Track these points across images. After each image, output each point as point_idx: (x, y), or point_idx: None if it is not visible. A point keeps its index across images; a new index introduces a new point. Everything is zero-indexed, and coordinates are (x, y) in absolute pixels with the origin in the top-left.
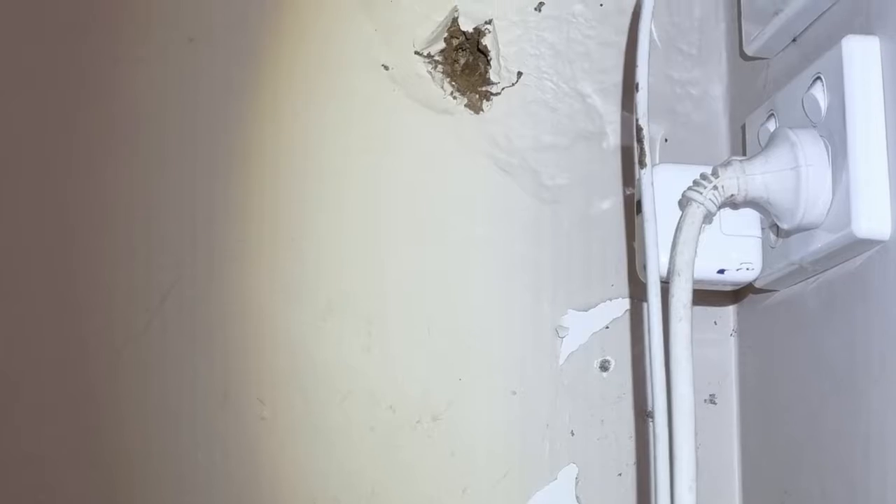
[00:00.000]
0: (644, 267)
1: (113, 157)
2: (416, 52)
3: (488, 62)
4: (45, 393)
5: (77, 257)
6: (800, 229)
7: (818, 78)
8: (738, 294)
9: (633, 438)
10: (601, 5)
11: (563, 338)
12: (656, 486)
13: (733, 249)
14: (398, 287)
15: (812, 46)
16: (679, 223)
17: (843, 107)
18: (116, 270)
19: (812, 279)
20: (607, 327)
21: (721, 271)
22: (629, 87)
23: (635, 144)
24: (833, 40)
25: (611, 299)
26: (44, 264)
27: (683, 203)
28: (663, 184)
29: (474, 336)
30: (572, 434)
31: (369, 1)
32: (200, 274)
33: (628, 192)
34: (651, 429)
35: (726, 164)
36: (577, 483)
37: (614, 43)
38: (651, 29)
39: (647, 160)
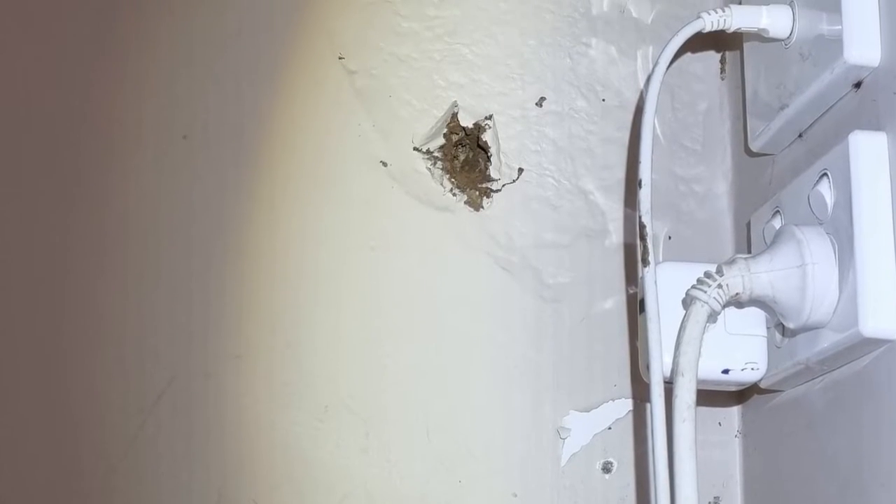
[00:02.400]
0: (647, 367)
1: (107, 259)
2: (415, 149)
3: (488, 158)
4: (37, 489)
5: (71, 358)
6: (806, 328)
7: (825, 174)
8: (742, 394)
9: None
10: (603, 100)
11: (564, 439)
12: None
13: (738, 349)
14: (396, 387)
15: (818, 142)
16: (683, 322)
17: (850, 204)
18: (111, 371)
19: (818, 379)
20: (610, 428)
21: (725, 371)
22: (632, 183)
23: (638, 242)
24: (840, 136)
25: (613, 400)
26: (37, 364)
27: (687, 302)
28: (667, 282)
29: (474, 437)
30: None
31: (367, 96)
32: (196, 375)
33: (631, 291)
34: None
35: (731, 262)
36: None
37: (617, 139)
38: (654, 124)
39: (651, 258)
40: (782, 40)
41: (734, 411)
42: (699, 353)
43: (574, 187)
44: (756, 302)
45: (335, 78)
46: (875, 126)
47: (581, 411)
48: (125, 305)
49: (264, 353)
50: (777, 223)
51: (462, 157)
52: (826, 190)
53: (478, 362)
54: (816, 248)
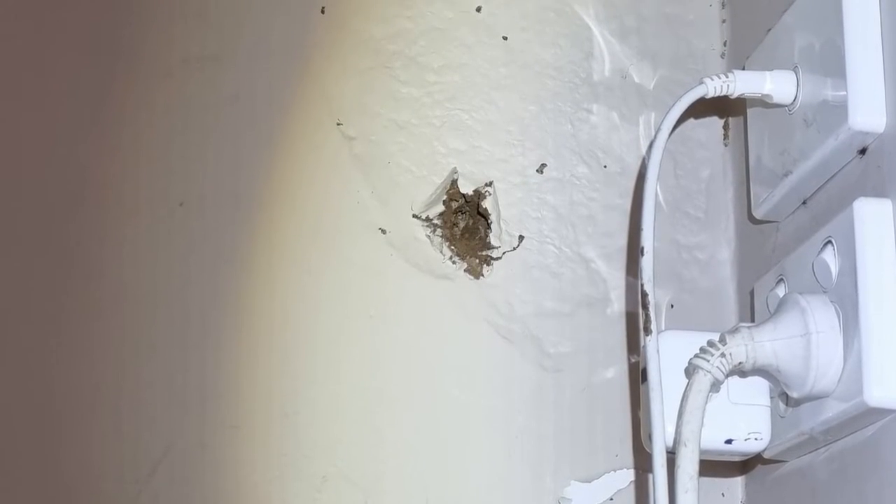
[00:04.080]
0: (649, 437)
1: (102, 328)
2: (415, 216)
3: (489, 225)
4: None
5: (67, 427)
6: (810, 398)
7: (829, 242)
8: (746, 465)
9: None
10: (605, 167)
11: None
12: None
13: (741, 419)
14: (395, 457)
15: (823, 209)
16: (685, 392)
17: (855, 272)
18: (106, 440)
19: (823, 449)
20: (611, 499)
21: (729, 441)
22: (634, 251)
23: (640, 311)
24: (844, 203)
25: (615, 470)
26: (32, 433)
27: (690, 371)
28: (669, 351)
29: None
30: None
31: (365, 162)
32: (192, 445)
33: (633, 360)
34: None
35: (734, 330)
36: None
37: (619, 206)
38: (657, 191)
39: (653, 327)
40: (786, 106)
41: (738, 482)
42: (702, 422)
43: (575, 255)
44: (760, 371)
45: (333, 144)
46: (880, 193)
47: (582, 482)
48: (121, 374)
49: (261, 423)
50: (781, 291)
51: (462, 225)
52: (830, 257)
53: (478, 432)
54: (821, 317)
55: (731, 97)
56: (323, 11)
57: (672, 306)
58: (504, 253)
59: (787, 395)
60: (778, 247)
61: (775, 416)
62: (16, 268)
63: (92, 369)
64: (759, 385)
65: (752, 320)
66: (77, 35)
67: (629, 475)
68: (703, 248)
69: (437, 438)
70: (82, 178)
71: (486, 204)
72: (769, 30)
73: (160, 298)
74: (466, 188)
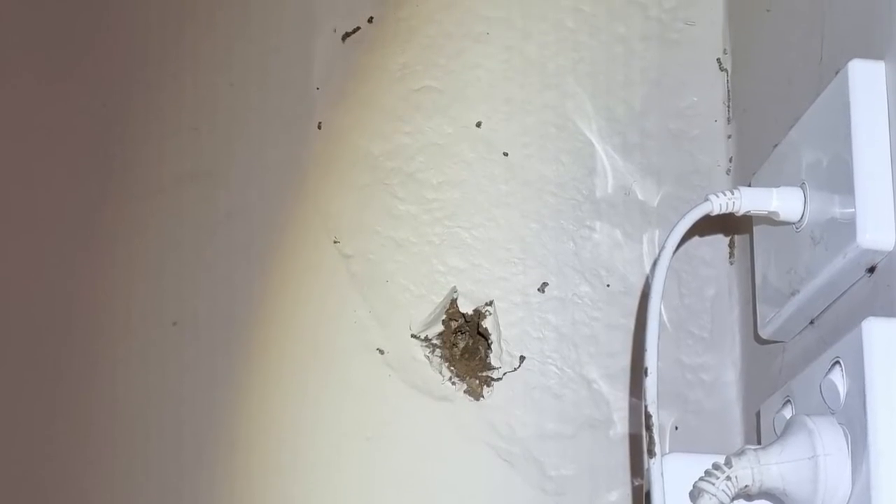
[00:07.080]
0: None
1: (94, 452)
2: (413, 336)
3: (489, 346)
4: None
5: None
6: None
7: (837, 362)
8: None
9: None
10: (608, 286)
11: None
12: None
13: None
14: None
15: (831, 329)
16: None
17: (864, 393)
18: None
19: None
20: None
21: None
22: (638, 372)
23: (644, 433)
24: (853, 323)
25: None
26: None
27: (695, 495)
28: (674, 474)
29: None
30: None
31: (363, 281)
32: None
33: (637, 484)
34: None
35: (740, 453)
36: None
37: (622, 325)
38: (661, 311)
39: (657, 449)
40: (793, 224)
41: None
42: None
43: (577, 376)
44: (766, 494)
45: (330, 262)
46: (889, 312)
47: None
48: (112, 498)
49: None
50: (788, 413)
51: (462, 345)
52: (838, 379)
53: None
54: (828, 439)
55: (737, 214)
56: (320, 127)
57: (676, 428)
58: (505, 374)
59: None
60: (785, 367)
61: None
62: (7, 388)
63: (83, 493)
64: None
65: (759, 442)
66: (69, 150)
67: None
68: (708, 368)
69: None
70: (73, 296)
71: (487, 323)
72: (776, 145)
73: (153, 420)
74: (466, 307)
